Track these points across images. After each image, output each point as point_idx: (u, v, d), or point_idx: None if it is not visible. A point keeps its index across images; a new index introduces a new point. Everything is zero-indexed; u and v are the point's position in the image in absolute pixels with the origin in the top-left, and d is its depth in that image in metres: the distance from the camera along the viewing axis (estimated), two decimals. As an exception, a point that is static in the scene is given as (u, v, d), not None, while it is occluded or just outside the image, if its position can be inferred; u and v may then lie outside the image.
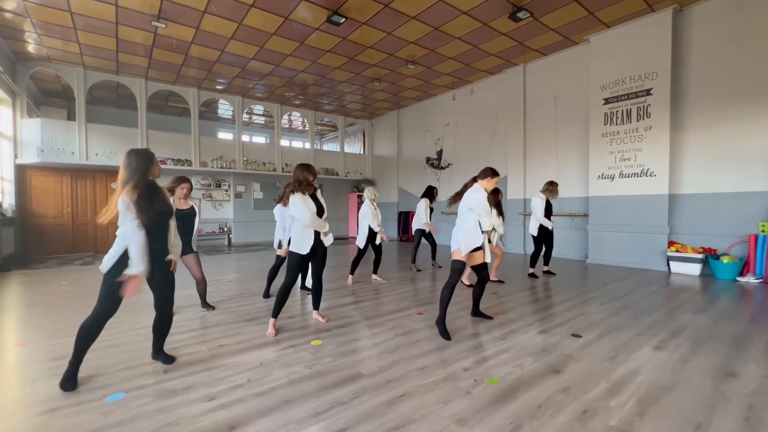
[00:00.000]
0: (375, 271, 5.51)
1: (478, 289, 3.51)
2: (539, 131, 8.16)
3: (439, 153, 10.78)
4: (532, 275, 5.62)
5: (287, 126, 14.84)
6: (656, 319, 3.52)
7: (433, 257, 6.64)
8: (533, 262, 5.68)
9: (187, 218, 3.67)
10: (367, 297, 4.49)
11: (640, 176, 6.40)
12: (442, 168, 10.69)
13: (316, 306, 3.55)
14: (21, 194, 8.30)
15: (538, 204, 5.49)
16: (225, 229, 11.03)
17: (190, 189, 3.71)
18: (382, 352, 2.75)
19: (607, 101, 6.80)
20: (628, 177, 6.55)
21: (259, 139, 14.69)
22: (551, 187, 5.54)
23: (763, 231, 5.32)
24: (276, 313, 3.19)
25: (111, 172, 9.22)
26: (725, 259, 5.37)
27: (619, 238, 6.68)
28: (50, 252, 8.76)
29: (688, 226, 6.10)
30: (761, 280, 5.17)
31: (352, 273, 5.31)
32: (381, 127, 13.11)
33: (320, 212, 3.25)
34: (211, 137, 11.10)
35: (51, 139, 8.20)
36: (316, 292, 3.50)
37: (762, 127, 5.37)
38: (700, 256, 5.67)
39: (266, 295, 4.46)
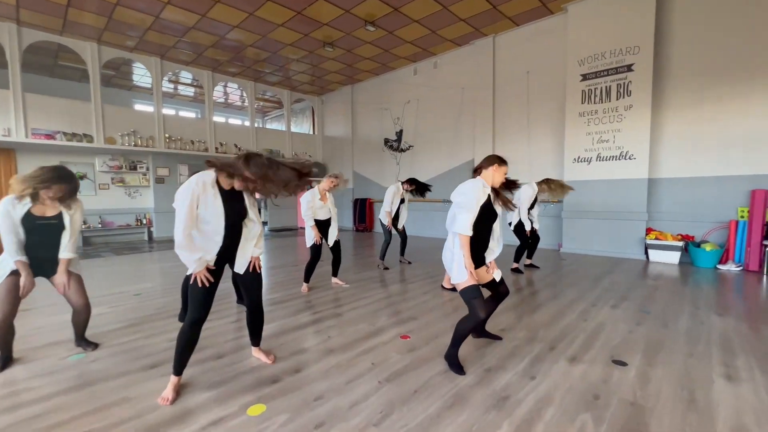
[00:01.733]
0: (335, 274, 4.41)
1: (491, 306, 2.59)
2: (510, 110, 7.50)
3: (399, 134, 9.79)
4: (516, 270, 4.93)
5: (222, 100, 12.84)
6: (688, 328, 2.90)
7: (402, 252, 5.70)
8: (518, 255, 4.98)
9: (48, 230, 2.34)
10: (328, 312, 3.40)
11: (619, 159, 5.99)
12: (402, 151, 9.74)
13: (255, 341, 2.40)
14: None
15: (525, 195, 4.76)
16: (144, 222, 9.09)
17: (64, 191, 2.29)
18: (367, 424, 1.72)
19: (585, 77, 6.26)
20: (606, 160, 6.12)
21: (189, 114, 12.55)
22: (546, 186, 4.69)
23: (742, 216, 5.12)
24: (179, 369, 2.00)
25: (-28, 148, 6.91)
26: (708, 247, 5.10)
27: (595, 225, 6.28)
28: None
29: (665, 212, 5.82)
30: (741, 268, 4.97)
31: (306, 281, 4.16)
32: (333, 103, 11.75)
33: (237, 215, 2.08)
34: (125, 108, 8.91)
35: None
36: (254, 325, 2.35)
37: (744, 109, 5.12)
38: (680, 243, 5.39)
39: (182, 317, 3.18)
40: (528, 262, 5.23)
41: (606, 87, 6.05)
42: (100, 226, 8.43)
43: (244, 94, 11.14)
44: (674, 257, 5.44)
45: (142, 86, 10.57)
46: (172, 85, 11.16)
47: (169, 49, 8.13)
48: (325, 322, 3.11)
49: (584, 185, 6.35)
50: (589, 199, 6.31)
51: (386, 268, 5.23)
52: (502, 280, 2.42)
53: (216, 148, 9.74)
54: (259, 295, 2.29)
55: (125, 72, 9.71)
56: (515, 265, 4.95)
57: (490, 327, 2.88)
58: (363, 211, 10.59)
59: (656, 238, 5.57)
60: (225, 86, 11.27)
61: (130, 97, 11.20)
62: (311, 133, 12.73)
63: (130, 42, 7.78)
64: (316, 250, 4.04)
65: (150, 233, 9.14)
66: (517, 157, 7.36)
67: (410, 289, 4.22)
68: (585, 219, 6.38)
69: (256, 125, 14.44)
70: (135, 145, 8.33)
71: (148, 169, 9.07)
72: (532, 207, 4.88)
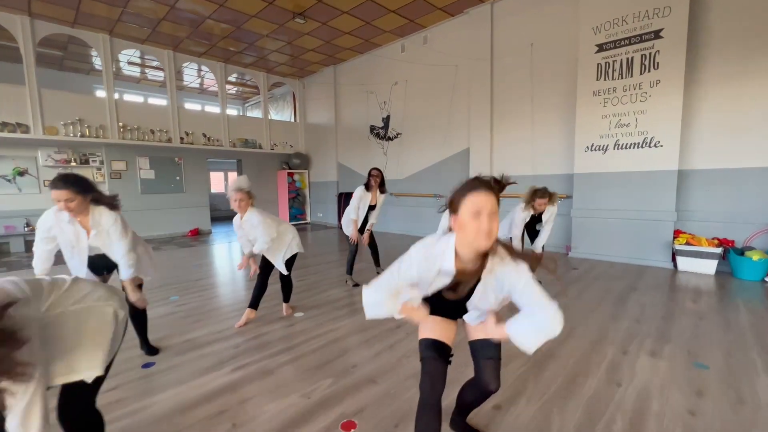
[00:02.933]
0: (286, 300, 3.45)
1: (471, 396, 1.58)
2: (510, 90, 6.43)
3: (386, 120, 8.73)
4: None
5: (197, 86, 11.74)
6: (775, 400, 1.95)
7: (377, 262, 4.75)
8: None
9: None
10: (256, 366, 2.44)
11: (642, 147, 4.97)
12: (390, 139, 8.70)
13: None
14: None
15: (518, 218, 3.77)
16: (99, 222, 8.10)
17: None
18: None
19: (601, 48, 5.20)
20: (626, 148, 5.10)
21: (160, 102, 11.45)
22: (532, 198, 3.66)
23: (798, 217, 4.13)
24: None
25: None
26: (755, 256, 4.13)
27: (611, 226, 5.30)
28: None
29: (698, 211, 4.83)
30: (797, 282, 4.01)
31: (253, 306, 3.21)
32: (315, 87, 10.64)
33: None
34: (69, 92, 7.73)
35: None
36: None
37: (803, 81, 4.08)
38: (718, 250, 4.41)
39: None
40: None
41: (627, 59, 4.99)
42: (47, 228, 7.45)
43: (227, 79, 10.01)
44: (710, 266, 4.48)
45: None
46: (137, 69, 10.06)
47: (115, 22, 7.02)
48: (240, 389, 2.16)
49: (599, 178, 5.35)
50: (605, 195, 5.32)
51: (356, 285, 4.27)
52: (494, 348, 1.44)
53: (181, 138, 8.70)
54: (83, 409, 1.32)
55: (78, 53, 8.60)
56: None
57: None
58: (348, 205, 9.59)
59: (687, 243, 4.59)
60: (199, 70, 10.16)
61: (91, 83, 10.11)
62: (293, 120, 11.63)
63: (68, 15, 6.67)
64: (260, 279, 3.15)
65: (107, 235, 8.17)
66: (519, 146, 6.35)
67: (379, 321, 3.26)
68: (599, 218, 5.40)
69: (236, 113, 13.43)
70: (82, 136, 7.30)
71: (102, 162, 8.05)
72: (537, 222, 3.87)
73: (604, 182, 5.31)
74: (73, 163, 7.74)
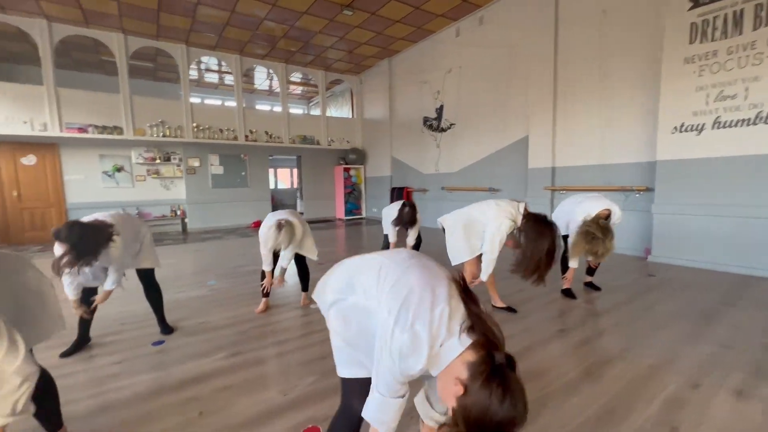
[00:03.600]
0: (304, 289, 3.38)
1: None
2: (576, 68, 5.57)
3: (439, 110, 8.30)
4: (567, 293, 3.36)
5: (266, 88, 12.57)
6: None
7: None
8: (565, 266, 3.40)
9: None
10: (249, 355, 2.37)
11: (755, 123, 3.87)
12: (443, 130, 8.25)
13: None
14: None
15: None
16: (178, 213, 9.12)
17: None
18: None
19: (696, 3, 4.18)
20: (731, 127, 4.02)
21: (234, 104, 12.51)
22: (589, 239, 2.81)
23: None
24: None
25: (10, 143, 7.35)
26: None
27: (704, 225, 4.25)
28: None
29: (841, 207, 3.61)
30: None
31: (264, 295, 3.23)
32: (371, 81, 10.61)
33: None
34: (154, 98, 8.77)
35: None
36: None
37: None
38: None
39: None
40: (588, 279, 3.60)
41: (734, 12, 3.92)
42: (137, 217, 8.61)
43: (290, 80, 10.55)
44: None
45: (190, 78, 10.60)
46: (216, 76, 11.10)
47: (188, 32, 7.77)
48: (224, 377, 2.09)
49: (690, 166, 4.33)
50: (697, 187, 4.28)
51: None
52: None
53: (246, 136, 9.36)
54: None
55: (165, 64, 9.73)
56: (565, 283, 3.38)
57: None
58: (400, 199, 9.38)
59: (821, 249, 3.45)
60: (267, 73, 10.83)
61: (178, 90, 11.41)
62: (351, 116, 11.78)
63: (152, 29, 7.56)
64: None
65: (184, 224, 9.16)
66: (586, 131, 5.48)
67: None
68: (689, 215, 4.37)
69: (302, 112, 14.10)
70: (164, 136, 8.25)
71: (180, 160, 9.02)
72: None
73: (698, 171, 4.27)
74: (157, 161, 8.81)
